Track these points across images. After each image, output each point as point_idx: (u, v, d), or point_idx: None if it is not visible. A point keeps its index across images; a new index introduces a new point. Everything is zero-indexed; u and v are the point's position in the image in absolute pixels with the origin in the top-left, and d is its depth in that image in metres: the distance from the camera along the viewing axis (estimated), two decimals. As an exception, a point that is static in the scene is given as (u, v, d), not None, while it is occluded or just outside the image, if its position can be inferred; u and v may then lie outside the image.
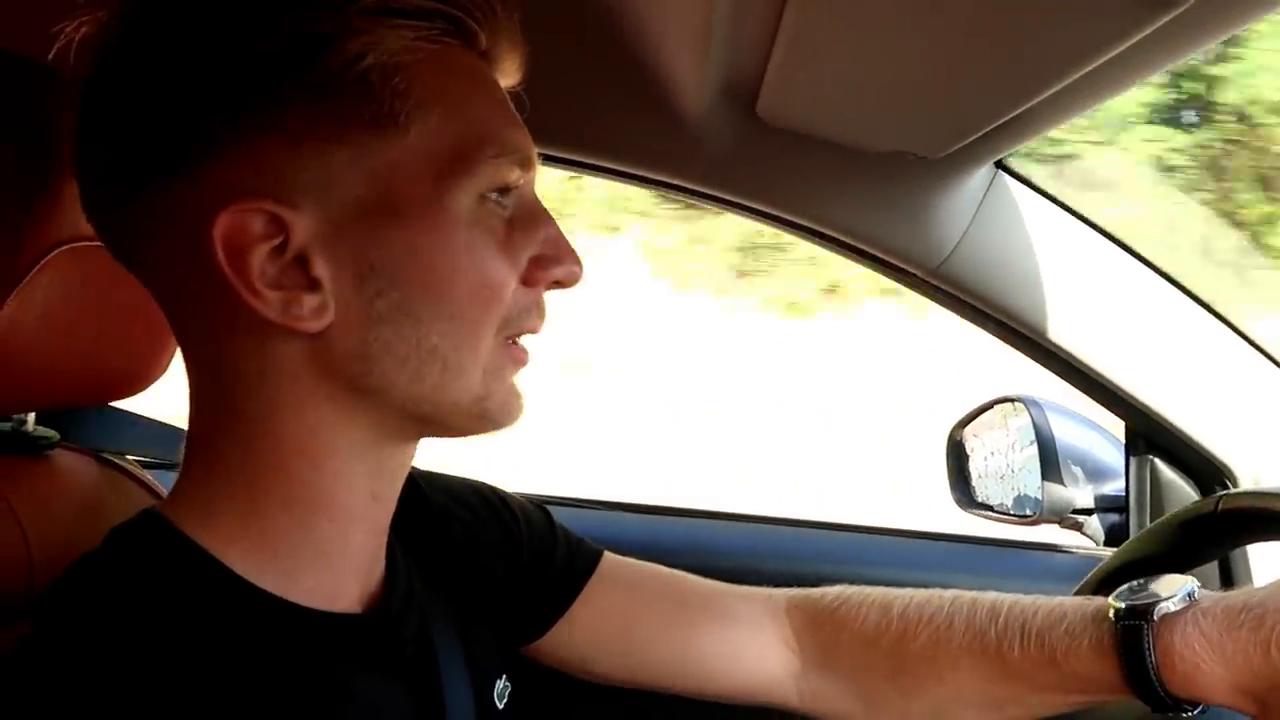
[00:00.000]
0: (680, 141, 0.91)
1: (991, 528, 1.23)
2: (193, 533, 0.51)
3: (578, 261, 0.55)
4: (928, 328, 4.86)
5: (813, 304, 6.01)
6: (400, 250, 0.49)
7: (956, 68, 0.68)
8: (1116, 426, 1.13)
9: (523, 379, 0.56)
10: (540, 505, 0.77)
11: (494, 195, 0.52)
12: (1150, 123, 5.28)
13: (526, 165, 0.53)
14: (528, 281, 0.54)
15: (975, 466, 1.25)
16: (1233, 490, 0.96)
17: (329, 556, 0.54)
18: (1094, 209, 0.98)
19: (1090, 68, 0.63)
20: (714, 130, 0.89)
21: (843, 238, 0.97)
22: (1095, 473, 1.16)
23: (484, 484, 0.76)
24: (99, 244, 0.56)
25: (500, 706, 0.66)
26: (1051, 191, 0.97)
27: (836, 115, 0.82)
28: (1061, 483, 1.15)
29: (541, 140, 0.93)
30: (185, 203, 0.48)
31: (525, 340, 0.56)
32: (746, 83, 0.80)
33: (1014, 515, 1.18)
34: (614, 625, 0.73)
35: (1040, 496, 1.14)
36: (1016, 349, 1.05)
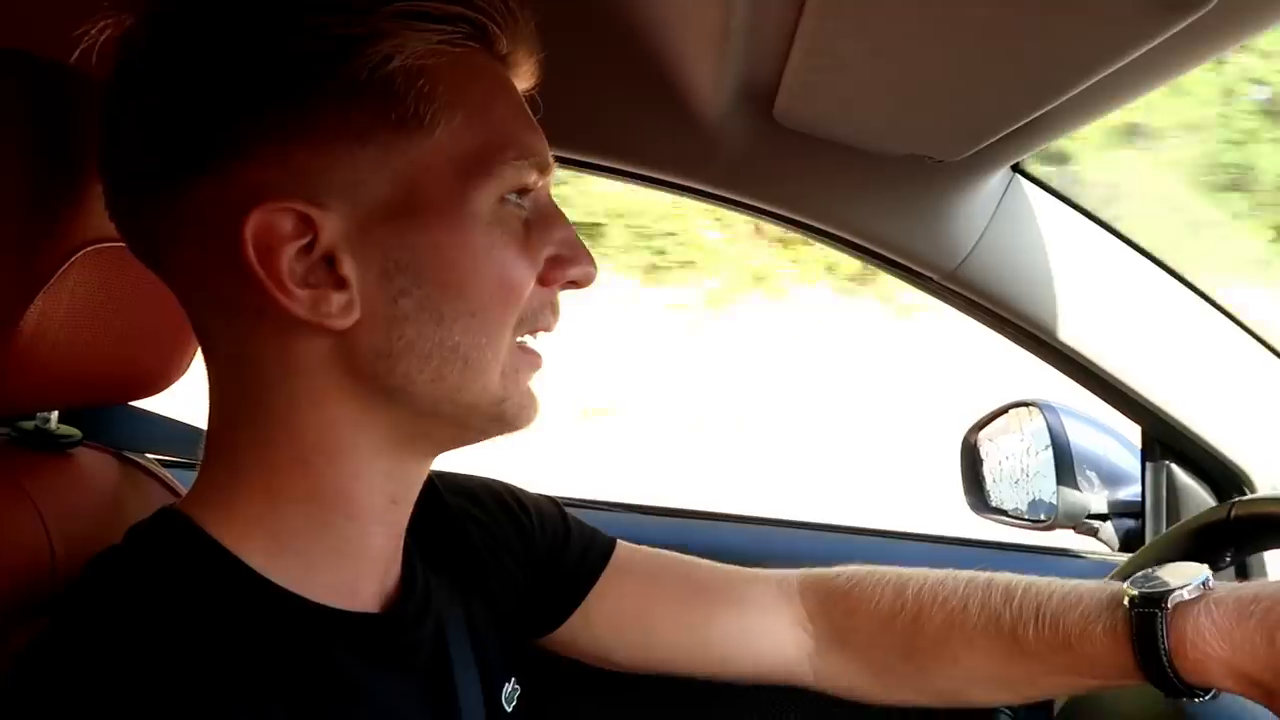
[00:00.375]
0: (697, 144, 0.91)
1: (1006, 532, 1.22)
2: (212, 529, 0.52)
3: (592, 262, 0.57)
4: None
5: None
6: (424, 249, 0.50)
7: (973, 72, 0.68)
8: (1133, 432, 1.13)
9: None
10: (551, 499, 0.78)
11: (513, 197, 0.53)
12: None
13: (544, 169, 0.54)
14: (544, 281, 0.55)
15: (989, 470, 1.24)
16: (1247, 496, 0.95)
17: (347, 555, 0.55)
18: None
19: (1108, 72, 0.63)
20: (731, 133, 0.90)
21: (859, 241, 0.97)
22: (1111, 478, 1.15)
23: (496, 482, 0.77)
24: (124, 245, 0.56)
25: (509, 709, 0.66)
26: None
27: (853, 119, 0.82)
28: (1077, 488, 1.14)
29: (559, 142, 0.93)
30: (215, 202, 0.49)
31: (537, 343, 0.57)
32: (763, 86, 0.81)
33: (1028, 520, 1.18)
34: (632, 612, 0.74)
35: (1055, 501, 1.13)
36: (1032, 353, 1.04)
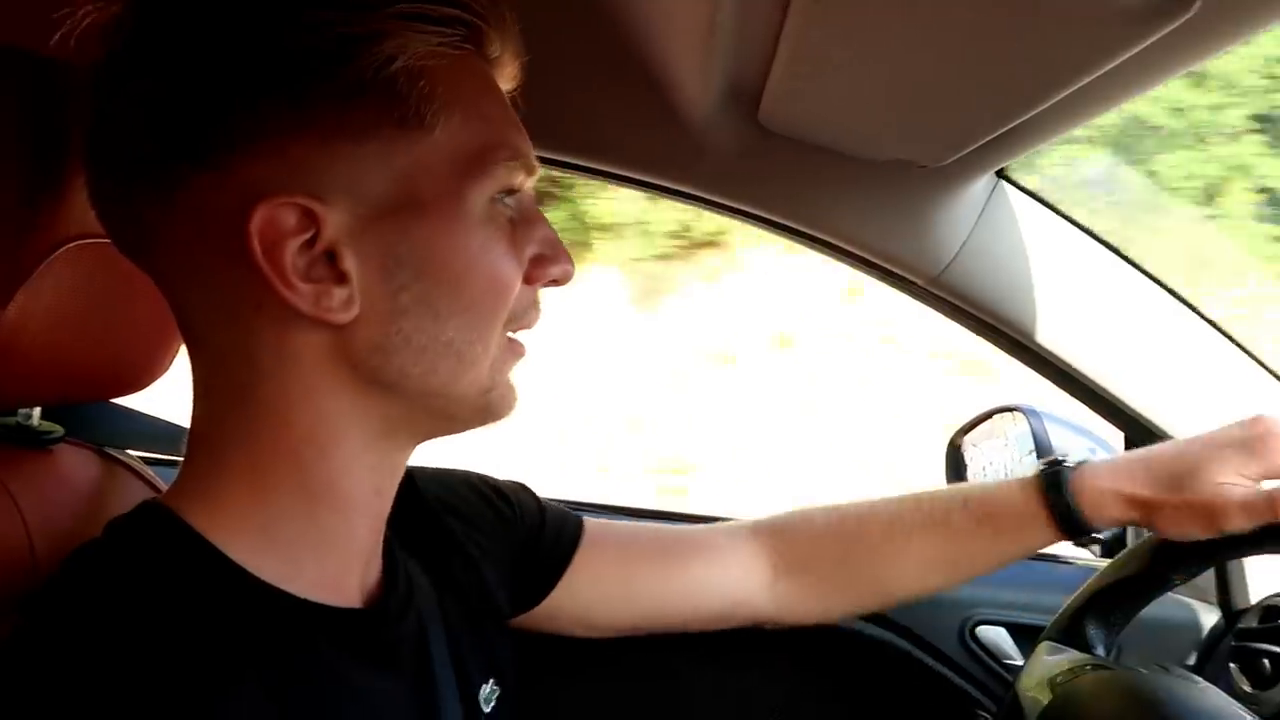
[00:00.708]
0: (683, 147, 0.91)
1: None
2: (195, 522, 0.52)
3: (571, 261, 0.58)
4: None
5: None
6: (423, 246, 0.51)
7: (958, 77, 0.69)
8: (1115, 437, 1.13)
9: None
10: (523, 484, 0.81)
11: (502, 197, 0.54)
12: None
13: (531, 170, 0.56)
14: (528, 279, 0.56)
15: (973, 475, 1.25)
16: None
17: (332, 548, 0.55)
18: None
19: (1091, 78, 0.64)
20: (716, 136, 0.90)
21: (843, 245, 0.97)
22: (1093, 483, 1.16)
23: (471, 473, 0.79)
24: (106, 240, 0.56)
25: (486, 710, 0.66)
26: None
27: (838, 123, 0.83)
28: (1059, 492, 1.15)
29: (546, 144, 0.94)
30: (216, 195, 0.49)
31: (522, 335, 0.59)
32: (749, 89, 0.81)
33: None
34: (613, 573, 0.79)
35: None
36: (1016, 358, 1.05)
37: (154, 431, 0.85)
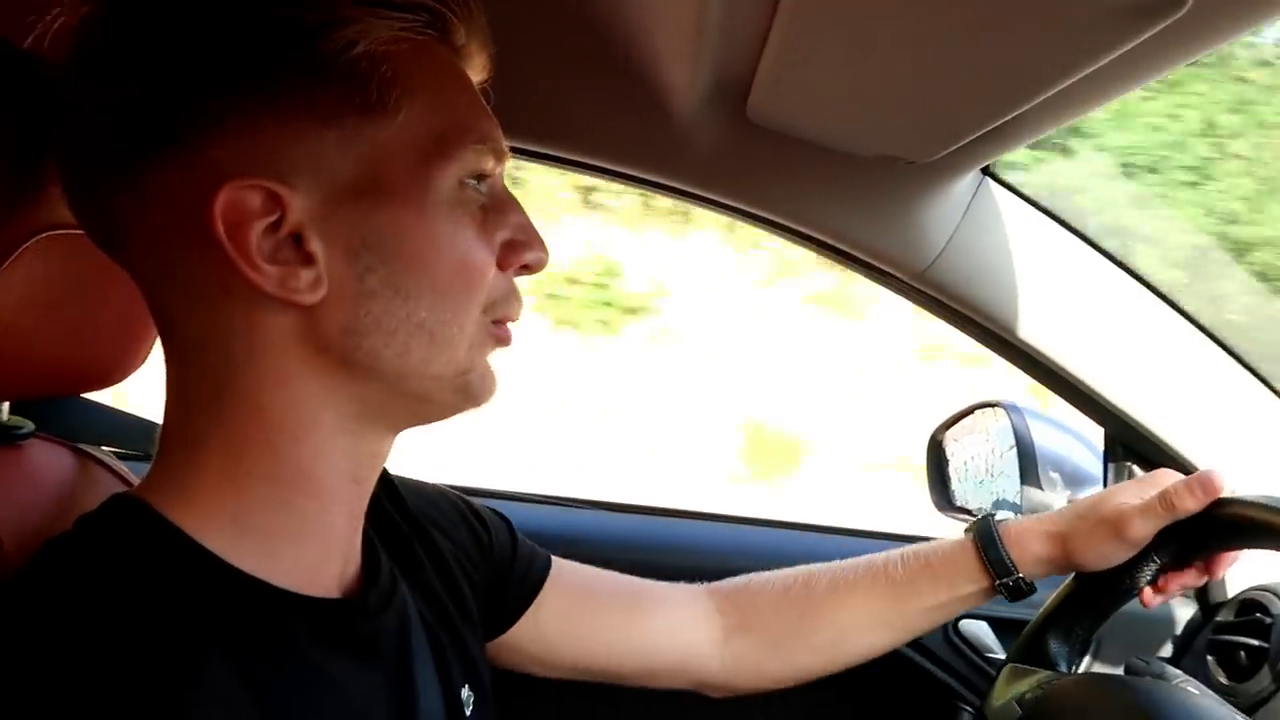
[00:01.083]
0: (669, 140, 0.90)
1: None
2: (168, 513, 0.51)
3: (545, 248, 0.58)
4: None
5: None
6: (389, 229, 0.51)
7: (945, 74, 0.69)
8: (1096, 433, 1.14)
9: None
10: (499, 514, 0.81)
11: (472, 182, 0.54)
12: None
13: (500, 155, 0.56)
14: (501, 265, 0.56)
15: (955, 470, 1.25)
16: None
17: (308, 536, 0.55)
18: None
19: (1078, 77, 0.64)
20: (703, 130, 0.89)
21: (829, 241, 0.97)
22: (1073, 478, 1.17)
23: (451, 491, 0.79)
24: (78, 233, 0.55)
25: (467, 713, 0.66)
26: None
27: (825, 118, 0.82)
28: (1040, 487, 1.15)
29: (531, 137, 0.93)
30: (182, 179, 0.49)
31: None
32: (737, 83, 0.80)
33: (992, 519, 1.19)
34: (576, 613, 0.80)
35: (1019, 501, 1.14)
36: (1000, 354, 1.05)
37: (128, 427, 0.84)
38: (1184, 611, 1.11)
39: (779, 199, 0.95)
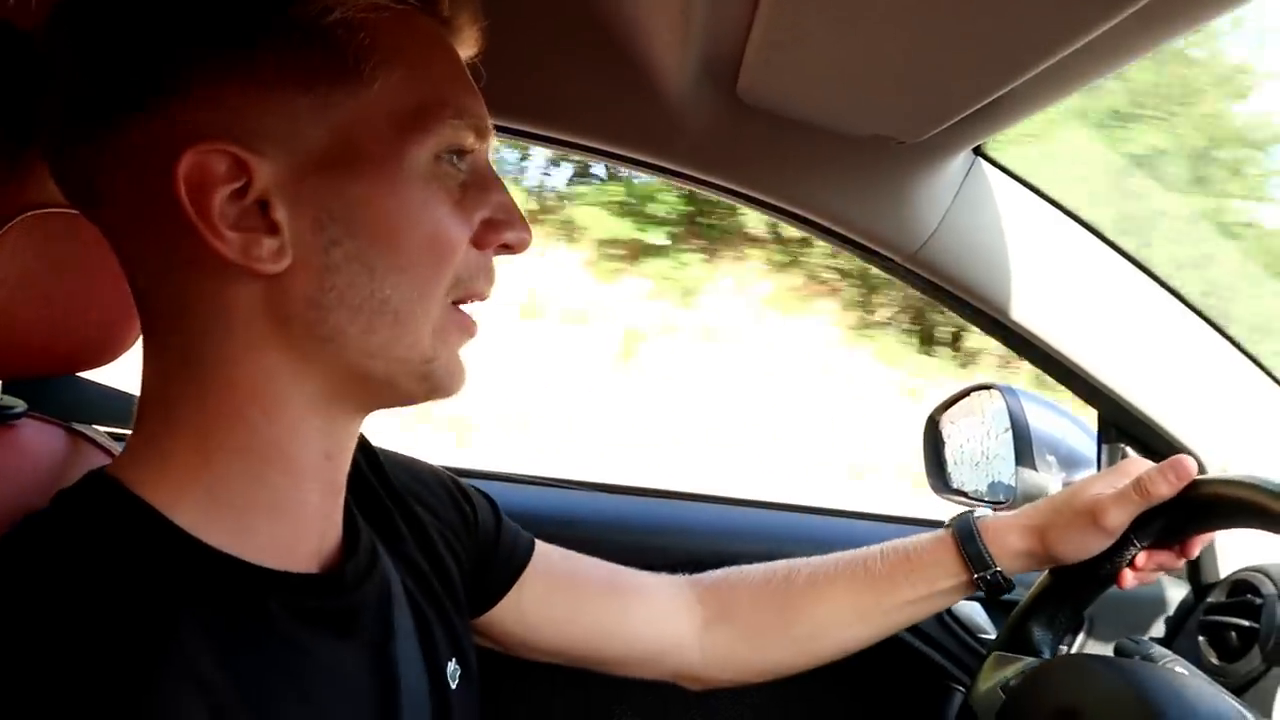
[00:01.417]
0: (660, 121, 0.90)
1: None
2: (141, 490, 0.51)
3: (527, 228, 0.57)
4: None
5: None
6: (358, 201, 0.50)
7: (934, 51, 0.68)
8: (1090, 416, 1.14)
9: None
10: (485, 494, 0.81)
11: (450, 157, 0.53)
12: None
13: (482, 133, 0.55)
14: (478, 244, 0.55)
15: (951, 452, 1.26)
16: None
17: (283, 512, 0.54)
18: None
19: (1067, 52, 0.63)
20: (694, 110, 0.89)
21: (821, 221, 0.97)
22: (1068, 460, 1.17)
23: (438, 468, 0.79)
24: (68, 211, 0.55)
25: (452, 687, 0.66)
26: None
27: (816, 97, 0.82)
28: (1035, 469, 1.16)
29: (520, 118, 0.92)
30: (150, 140, 0.48)
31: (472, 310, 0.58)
32: (727, 64, 0.80)
33: (987, 501, 1.19)
34: (558, 600, 0.81)
35: (1014, 483, 1.14)
36: (992, 335, 1.05)
37: (122, 406, 0.83)
38: (1176, 592, 1.12)
39: (771, 180, 0.95)
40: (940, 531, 0.84)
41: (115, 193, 0.50)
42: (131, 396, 0.87)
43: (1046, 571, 0.85)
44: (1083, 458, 1.17)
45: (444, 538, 0.73)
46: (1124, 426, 1.09)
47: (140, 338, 0.70)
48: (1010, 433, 1.16)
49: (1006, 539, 0.81)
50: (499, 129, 0.57)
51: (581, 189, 6.32)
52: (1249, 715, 0.66)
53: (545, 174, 6.42)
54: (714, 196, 1.00)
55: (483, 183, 0.56)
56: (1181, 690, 0.69)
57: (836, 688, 1.19)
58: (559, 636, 0.81)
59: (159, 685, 0.45)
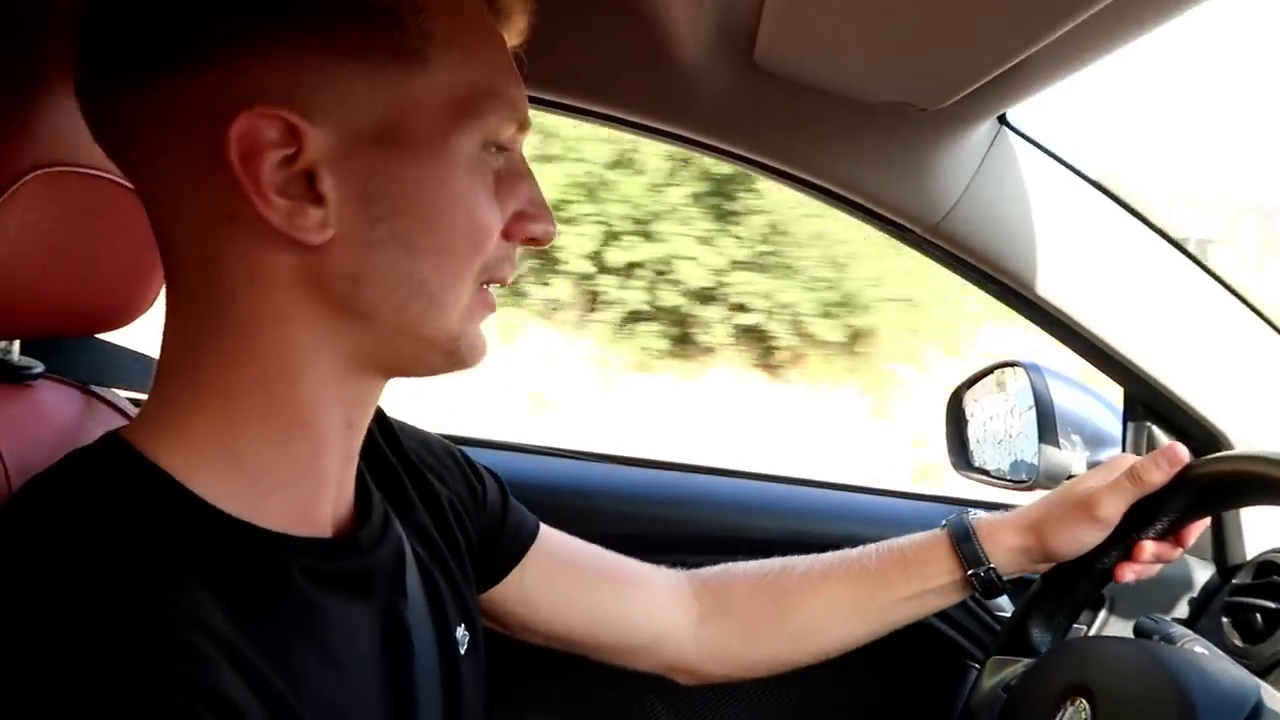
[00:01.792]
0: (676, 87, 0.89)
1: (987, 492, 1.22)
2: (155, 454, 0.51)
3: (553, 222, 0.58)
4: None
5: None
6: (405, 180, 0.51)
7: (955, 12, 0.67)
8: (1115, 393, 1.12)
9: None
10: (493, 472, 0.81)
11: (491, 148, 0.54)
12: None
13: (523, 125, 0.56)
14: (507, 234, 0.56)
15: (974, 430, 1.24)
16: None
17: (301, 479, 0.55)
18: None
19: (1091, 13, 0.61)
20: (711, 77, 0.88)
21: (840, 191, 0.95)
22: (1092, 439, 1.14)
23: (448, 442, 0.79)
24: (81, 170, 0.55)
25: (461, 652, 0.67)
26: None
27: (834, 63, 0.81)
28: (1059, 448, 1.14)
29: (536, 84, 0.91)
30: (203, 98, 0.48)
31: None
32: (743, 28, 0.79)
33: (1009, 480, 1.17)
34: (559, 583, 0.81)
35: (1037, 462, 1.12)
36: (1015, 310, 1.03)
37: (141, 369, 0.84)
38: (1202, 574, 1.10)
39: (789, 148, 0.93)
40: (936, 530, 0.84)
41: (156, 145, 0.50)
42: (152, 360, 0.88)
43: (1038, 577, 0.84)
44: (1108, 436, 1.15)
45: (454, 510, 0.73)
46: (1151, 405, 1.07)
47: (156, 298, 0.72)
48: (1034, 410, 1.15)
49: (1001, 536, 0.81)
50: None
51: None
52: (1272, 691, 0.64)
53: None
54: (730, 165, 0.98)
55: (516, 175, 0.56)
56: (1205, 668, 0.67)
57: (855, 660, 1.19)
58: (557, 620, 0.82)
59: (173, 631, 0.45)
